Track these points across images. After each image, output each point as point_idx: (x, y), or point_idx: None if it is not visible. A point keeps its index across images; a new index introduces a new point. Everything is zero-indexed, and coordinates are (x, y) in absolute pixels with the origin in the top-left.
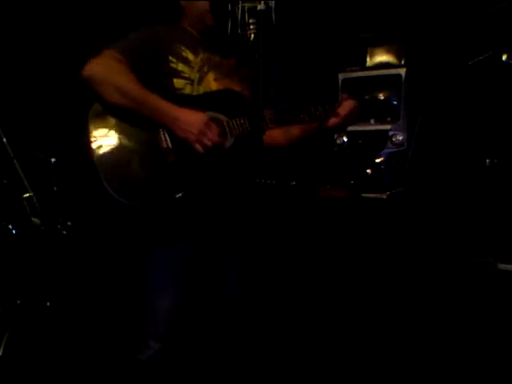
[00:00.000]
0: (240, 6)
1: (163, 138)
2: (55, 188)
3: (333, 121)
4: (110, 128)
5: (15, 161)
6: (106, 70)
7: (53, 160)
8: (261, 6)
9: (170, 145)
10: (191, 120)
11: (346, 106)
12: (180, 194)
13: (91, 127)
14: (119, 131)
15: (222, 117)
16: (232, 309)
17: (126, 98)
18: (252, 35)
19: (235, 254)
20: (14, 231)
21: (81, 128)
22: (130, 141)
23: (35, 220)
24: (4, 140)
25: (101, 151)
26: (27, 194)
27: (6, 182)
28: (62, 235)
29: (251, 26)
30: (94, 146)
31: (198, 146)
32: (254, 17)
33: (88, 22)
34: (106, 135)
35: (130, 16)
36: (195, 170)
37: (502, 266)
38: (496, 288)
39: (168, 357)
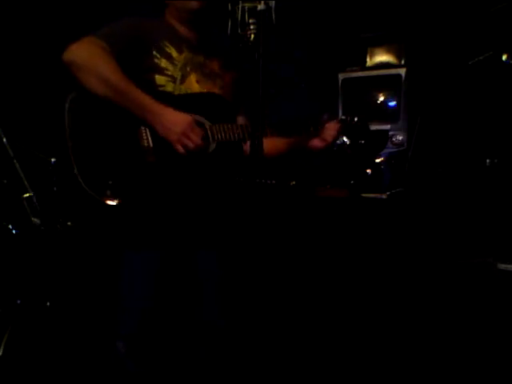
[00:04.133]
0: (240, 6)
1: (144, 136)
2: (55, 188)
3: (317, 144)
4: (89, 119)
5: (15, 161)
6: (88, 55)
7: (53, 160)
8: (261, 6)
9: (150, 143)
10: (176, 120)
11: (332, 132)
12: (157, 195)
13: (68, 117)
14: (99, 123)
15: (205, 121)
16: (214, 314)
17: (106, 86)
18: (252, 35)
19: (215, 258)
20: (13, 231)
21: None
22: (109, 135)
23: (35, 220)
24: (4, 140)
25: (77, 143)
26: (27, 194)
27: (5, 181)
28: (61, 235)
29: (251, 26)
30: (70, 137)
31: (179, 147)
32: (254, 17)
33: (74, 14)
34: (84, 127)
35: (114, 8)
36: (174, 172)
37: (502, 266)
38: (496, 288)
39: (141, 360)
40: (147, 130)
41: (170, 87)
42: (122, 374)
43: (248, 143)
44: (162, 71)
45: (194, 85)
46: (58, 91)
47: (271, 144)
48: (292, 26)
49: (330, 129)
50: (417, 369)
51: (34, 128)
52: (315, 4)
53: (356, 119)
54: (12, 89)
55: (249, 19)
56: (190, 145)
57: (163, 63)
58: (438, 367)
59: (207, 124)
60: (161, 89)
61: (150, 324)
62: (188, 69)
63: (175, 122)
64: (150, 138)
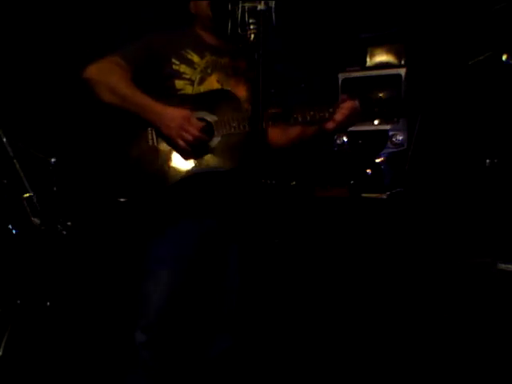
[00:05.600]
0: (240, 6)
1: (150, 136)
2: (55, 188)
3: (329, 125)
4: (105, 128)
5: (15, 161)
6: (102, 71)
7: (53, 160)
8: (261, 6)
9: (155, 143)
10: (172, 116)
11: (344, 110)
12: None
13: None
14: (112, 131)
15: (211, 116)
16: (229, 310)
17: (115, 95)
18: (252, 35)
19: (232, 253)
20: (14, 231)
21: (81, 128)
22: (122, 140)
23: (35, 220)
24: (4, 140)
25: (94, 151)
26: (27, 194)
27: (6, 181)
28: (61, 235)
29: (251, 26)
30: (88, 146)
31: (180, 142)
32: (253, 17)
33: (99, 26)
34: (100, 135)
35: (144, 22)
36: (179, 167)
37: (502, 266)
38: (496, 288)
39: (158, 350)
40: (152, 131)
41: (188, 90)
42: (137, 364)
43: (271, 130)
44: (180, 76)
45: (214, 84)
46: (57, 92)
47: (281, 134)
48: (292, 26)
49: (343, 107)
50: (417, 369)
51: (34, 128)
52: (315, 4)
53: (380, 96)
54: (12, 89)
55: (249, 19)
56: (189, 137)
57: (182, 68)
58: (438, 367)
59: (212, 119)
60: (180, 92)
61: (169, 315)
62: (209, 71)
63: (172, 117)
64: (154, 138)
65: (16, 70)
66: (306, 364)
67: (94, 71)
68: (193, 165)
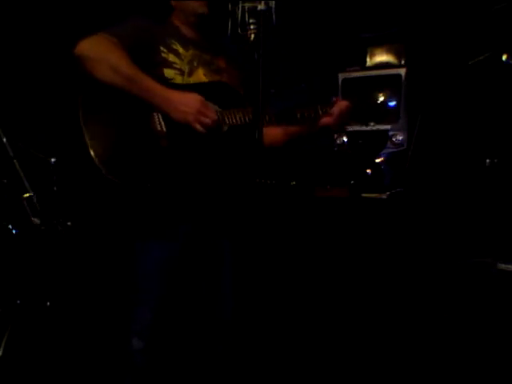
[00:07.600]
0: (240, 6)
1: (157, 121)
2: (55, 188)
3: (325, 120)
4: (103, 110)
5: (15, 161)
6: (100, 47)
7: (53, 160)
8: (261, 6)
9: (163, 128)
10: (187, 100)
11: (340, 105)
12: (173, 180)
13: (83, 115)
14: (112, 113)
15: (215, 107)
16: (226, 311)
17: (117, 74)
18: (252, 35)
19: (230, 253)
20: (14, 231)
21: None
22: (123, 123)
23: (35, 220)
24: (4, 140)
25: (94, 133)
26: (27, 194)
27: (6, 181)
28: (62, 235)
29: (251, 26)
30: (86, 127)
31: (198, 126)
32: (254, 17)
33: (82, 18)
34: (98, 118)
35: (121, 12)
36: (189, 155)
37: (502, 266)
38: (496, 288)
39: (155, 356)
40: (159, 115)
41: (178, 80)
42: (131, 369)
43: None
44: (170, 65)
45: (202, 78)
46: (57, 91)
47: (279, 132)
48: (292, 26)
49: (338, 105)
50: (417, 369)
51: (34, 128)
52: (315, 4)
53: (380, 98)
54: (12, 89)
55: (249, 19)
56: (208, 121)
57: (171, 57)
58: (438, 367)
59: (217, 109)
60: (170, 82)
61: (163, 320)
62: (195, 63)
63: (187, 102)
64: (162, 123)
65: (16, 70)
66: (305, 365)
67: (89, 47)
68: (202, 151)
